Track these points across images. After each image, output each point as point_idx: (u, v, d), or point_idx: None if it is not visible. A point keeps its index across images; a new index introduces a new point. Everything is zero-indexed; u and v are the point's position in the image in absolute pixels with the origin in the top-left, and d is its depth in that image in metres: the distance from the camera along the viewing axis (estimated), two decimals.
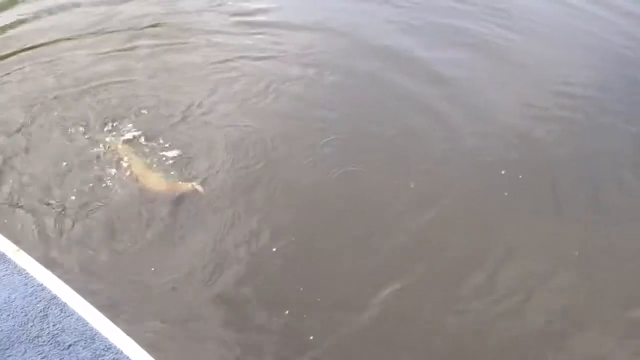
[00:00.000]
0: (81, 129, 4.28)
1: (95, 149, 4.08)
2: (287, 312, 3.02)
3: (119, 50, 5.39)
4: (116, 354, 2.70)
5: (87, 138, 4.20)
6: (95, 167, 3.92)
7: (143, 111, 4.51)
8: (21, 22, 5.93)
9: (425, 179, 4.01)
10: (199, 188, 3.76)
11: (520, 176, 4.04)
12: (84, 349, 2.72)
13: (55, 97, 4.67)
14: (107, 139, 4.15)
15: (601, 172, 4.18)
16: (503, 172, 4.07)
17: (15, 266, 3.07)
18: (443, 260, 3.44)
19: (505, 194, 3.91)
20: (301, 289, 3.13)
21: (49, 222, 3.48)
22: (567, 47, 5.85)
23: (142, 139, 4.19)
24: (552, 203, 3.90)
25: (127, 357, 2.70)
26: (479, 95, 4.95)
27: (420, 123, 4.57)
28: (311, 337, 2.92)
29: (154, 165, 3.95)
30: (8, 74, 5.02)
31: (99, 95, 4.72)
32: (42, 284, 2.98)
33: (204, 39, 5.61)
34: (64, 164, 3.95)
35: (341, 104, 4.79)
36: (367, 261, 3.38)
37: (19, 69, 5.09)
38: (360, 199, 3.85)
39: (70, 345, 2.73)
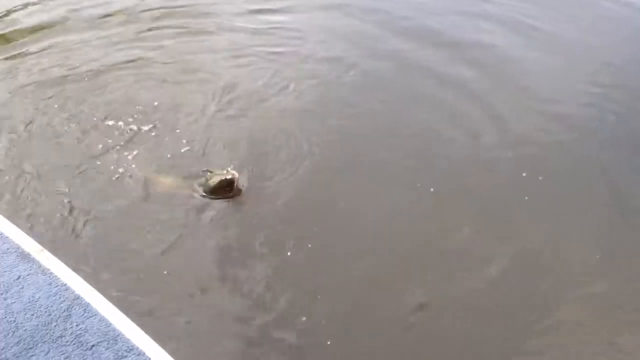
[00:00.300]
0: (94, 124, 4.23)
1: (110, 147, 4.02)
2: (304, 318, 3.03)
3: (131, 39, 5.32)
4: (138, 355, 2.73)
5: (102, 133, 4.16)
6: (113, 166, 3.89)
7: (156, 103, 4.45)
8: (26, 4, 5.83)
9: (449, 174, 3.95)
10: (235, 173, 3.64)
11: (555, 171, 3.91)
12: (106, 349, 2.75)
13: (64, 86, 4.60)
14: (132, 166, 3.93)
15: None
16: (536, 166, 3.95)
17: (40, 266, 3.10)
18: (480, 273, 3.30)
19: (542, 190, 3.76)
20: (319, 296, 3.14)
21: (74, 222, 3.50)
22: (601, 35, 5.65)
23: (154, 133, 4.14)
24: (605, 199, 3.75)
25: (150, 359, 2.72)
26: (511, 82, 4.84)
27: (452, 109, 4.49)
28: (329, 343, 2.95)
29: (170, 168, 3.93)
30: (14, 61, 4.92)
31: (110, 85, 4.65)
32: (65, 284, 3.01)
33: (219, 26, 5.54)
34: (81, 161, 3.91)
35: (363, 92, 4.72)
36: (385, 269, 3.35)
37: (26, 55, 4.99)
38: (384, 202, 3.77)
39: (93, 346, 2.76)
